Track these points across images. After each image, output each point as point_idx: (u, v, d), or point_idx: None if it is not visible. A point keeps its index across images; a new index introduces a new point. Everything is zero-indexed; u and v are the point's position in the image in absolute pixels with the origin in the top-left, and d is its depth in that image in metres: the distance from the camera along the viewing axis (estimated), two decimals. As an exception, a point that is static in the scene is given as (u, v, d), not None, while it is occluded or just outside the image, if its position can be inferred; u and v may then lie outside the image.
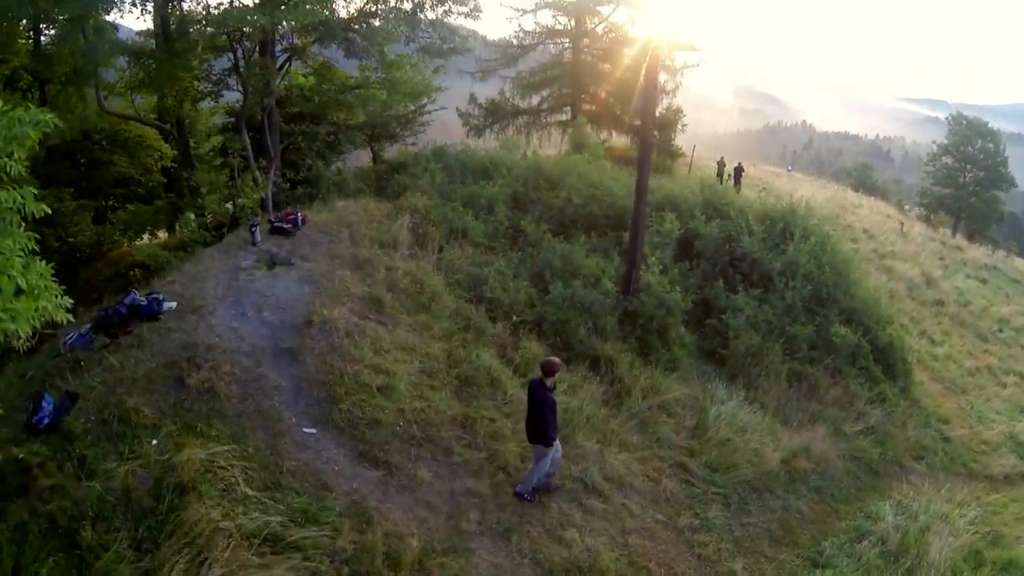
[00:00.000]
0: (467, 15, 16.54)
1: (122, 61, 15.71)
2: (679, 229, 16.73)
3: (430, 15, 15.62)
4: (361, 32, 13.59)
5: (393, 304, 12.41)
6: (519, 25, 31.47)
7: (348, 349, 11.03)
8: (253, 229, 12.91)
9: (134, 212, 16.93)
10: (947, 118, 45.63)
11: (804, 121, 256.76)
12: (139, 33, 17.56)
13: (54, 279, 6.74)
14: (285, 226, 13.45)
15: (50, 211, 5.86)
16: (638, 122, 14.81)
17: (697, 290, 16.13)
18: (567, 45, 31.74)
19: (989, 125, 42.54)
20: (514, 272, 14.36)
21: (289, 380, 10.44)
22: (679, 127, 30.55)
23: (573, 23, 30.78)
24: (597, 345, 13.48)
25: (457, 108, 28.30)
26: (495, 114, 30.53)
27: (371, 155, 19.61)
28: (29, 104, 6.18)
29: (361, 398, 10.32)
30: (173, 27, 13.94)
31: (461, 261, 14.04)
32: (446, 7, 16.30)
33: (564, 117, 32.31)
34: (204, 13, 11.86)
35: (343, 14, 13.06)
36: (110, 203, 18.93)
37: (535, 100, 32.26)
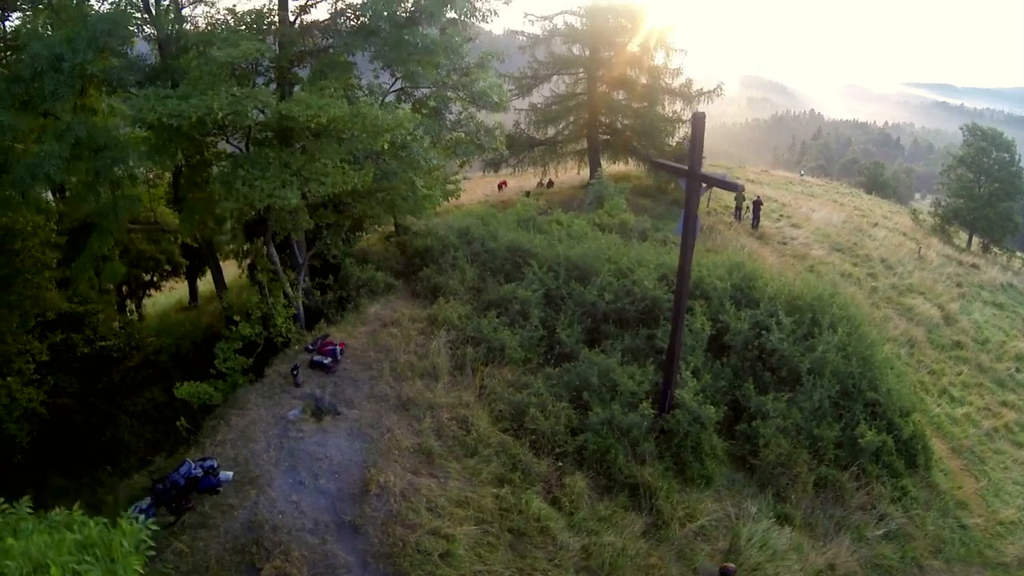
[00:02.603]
0: (495, 107, 17.02)
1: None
2: (710, 325, 17.80)
3: (456, 112, 16.21)
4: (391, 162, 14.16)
5: (442, 452, 13.47)
6: (532, 55, 31.89)
7: (406, 514, 12.13)
8: (295, 372, 13.80)
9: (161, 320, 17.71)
10: (962, 128, 46.82)
11: (812, 110, 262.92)
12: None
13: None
14: (324, 361, 14.34)
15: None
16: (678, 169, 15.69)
17: (727, 390, 17.34)
18: (581, 74, 32.18)
19: (1005, 136, 43.79)
20: (553, 392, 15.45)
21: (355, 555, 11.56)
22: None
23: (588, 53, 31.21)
24: (636, 472, 14.69)
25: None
26: (511, 146, 31.17)
27: (393, 225, 20.34)
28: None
29: (427, 570, 11.47)
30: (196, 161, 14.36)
31: (501, 388, 15.08)
32: (471, 91, 16.77)
33: (580, 146, 33.05)
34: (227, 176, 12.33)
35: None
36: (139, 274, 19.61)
37: (550, 131, 32.92)
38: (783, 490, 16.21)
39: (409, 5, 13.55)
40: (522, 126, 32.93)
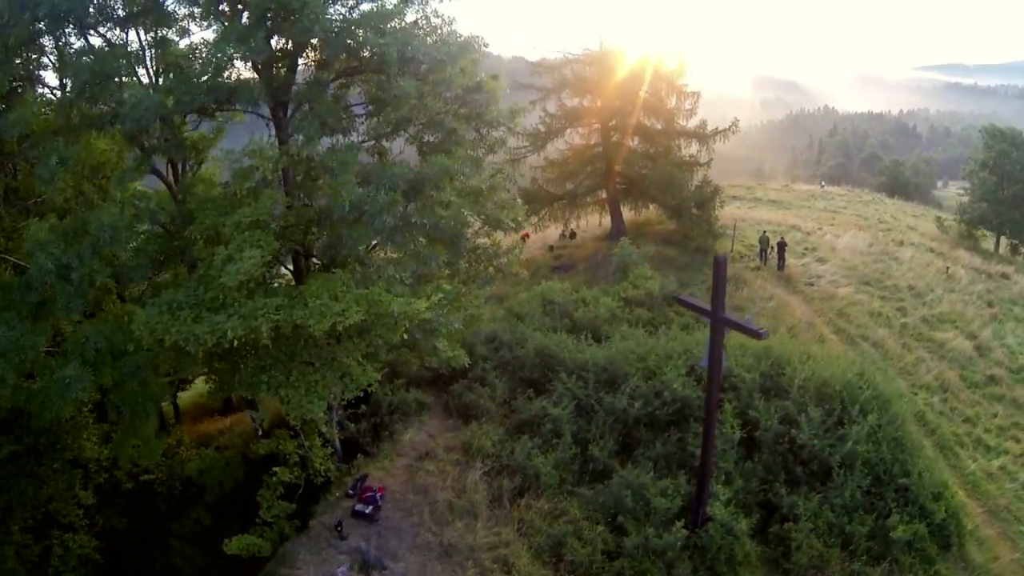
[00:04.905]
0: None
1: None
2: (740, 426, 18.25)
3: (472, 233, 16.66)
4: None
5: (489, 599, 14.28)
6: (543, 108, 32.14)
7: (456, 675, 13.02)
8: (339, 528, 14.60)
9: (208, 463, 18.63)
10: (980, 131, 46.62)
11: (826, 106, 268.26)
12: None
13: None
14: (366, 510, 15.12)
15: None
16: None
17: (759, 489, 17.87)
18: (595, 125, 32.38)
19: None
20: (588, 516, 16.09)
21: None
22: (718, 202, 31.58)
23: (599, 103, 31.41)
24: (673, 595, 15.43)
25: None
26: (530, 203, 31.70)
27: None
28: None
29: None
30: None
31: (539, 519, 15.76)
32: (484, 210, 17.18)
33: (600, 196, 33.46)
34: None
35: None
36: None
37: (568, 185, 33.32)
38: (818, 593, 16.81)
39: (411, 176, 13.86)
40: (540, 182, 33.41)
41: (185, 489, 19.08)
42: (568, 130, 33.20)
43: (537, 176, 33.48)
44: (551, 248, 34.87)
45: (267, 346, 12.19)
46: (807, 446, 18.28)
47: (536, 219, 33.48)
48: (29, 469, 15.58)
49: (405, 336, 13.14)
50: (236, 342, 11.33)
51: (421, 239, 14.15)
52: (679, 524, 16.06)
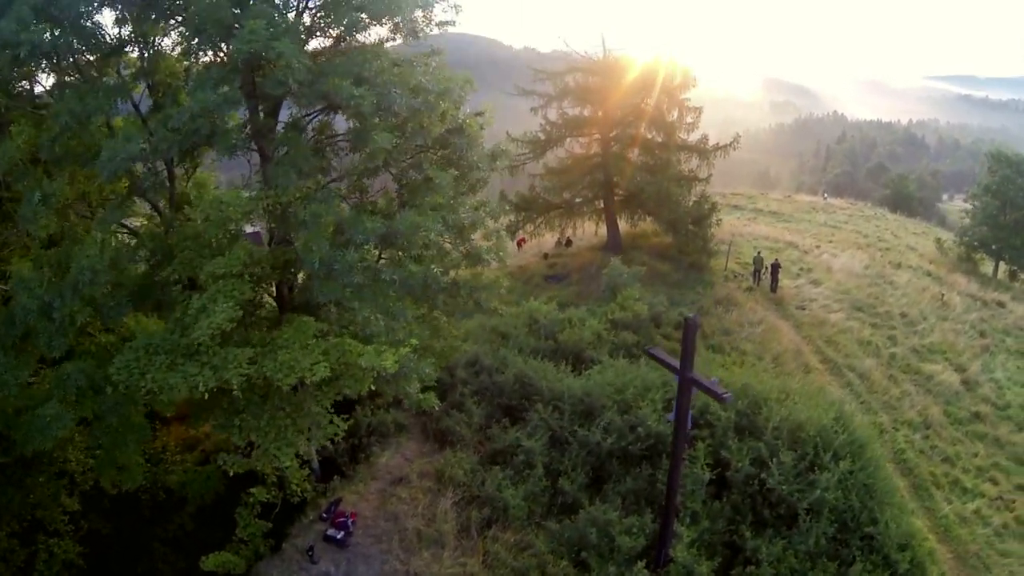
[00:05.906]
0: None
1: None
2: (710, 469, 18.63)
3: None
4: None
5: (452, 634, 14.90)
6: (544, 116, 32.17)
7: None
8: (311, 553, 15.20)
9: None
10: (985, 155, 46.66)
11: (835, 112, 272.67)
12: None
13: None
14: (337, 536, 15.70)
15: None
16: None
17: (725, 530, 18.34)
18: (596, 135, 32.44)
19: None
20: (553, 551, 16.63)
21: None
22: (715, 219, 31.63)
23: (601, 113, 31.45)
24: (630, 636, 15.99)
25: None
26: (527, 210, 31.95)
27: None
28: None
29: None
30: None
31: (505, 551, 16.30)
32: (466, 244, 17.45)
33: (598, 206, 33.62)
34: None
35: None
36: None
37: (566, 194, 33.52)
38: (776, 640, 17.33)
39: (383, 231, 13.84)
40: (537, 190, 33.65)
41: (169, 496, 19.63)
42: (568, 139, 33.39)
43: (535, 183, 33.77)
44: (546, 256, 35.21)
45: (238, 395, 12.58)
46: (776, 490, 18.69)
47: (532, 227, 33.79)
48: (16, 479, 16.20)
49: (373, 387, 13.57)
50: (207, 394, 11.80)
51: (391, 293, 14.40)
52: (641, 564, 16.57)
